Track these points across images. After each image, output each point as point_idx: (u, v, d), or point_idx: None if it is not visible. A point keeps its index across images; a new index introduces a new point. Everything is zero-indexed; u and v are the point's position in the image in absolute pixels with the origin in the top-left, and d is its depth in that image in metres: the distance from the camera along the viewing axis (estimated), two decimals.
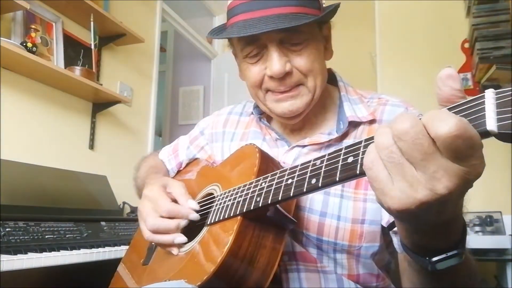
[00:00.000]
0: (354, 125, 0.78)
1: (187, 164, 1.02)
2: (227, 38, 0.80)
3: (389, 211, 0.39)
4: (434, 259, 0.44)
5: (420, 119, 0.36)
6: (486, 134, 0.35)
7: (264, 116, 0.89)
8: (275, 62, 0.73)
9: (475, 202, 2.64)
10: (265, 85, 0.77)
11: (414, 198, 0.36)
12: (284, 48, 0.74)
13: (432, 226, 0.42)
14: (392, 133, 0.37)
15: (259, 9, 0.71)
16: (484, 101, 0.36)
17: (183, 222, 0.74)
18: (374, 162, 0.38)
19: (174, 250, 0.74)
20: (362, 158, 0.43)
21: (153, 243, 0.85)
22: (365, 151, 0.42)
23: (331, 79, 0.88)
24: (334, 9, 0.78)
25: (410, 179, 0.36)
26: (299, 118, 0.80)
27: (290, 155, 0.80)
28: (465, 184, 0.36)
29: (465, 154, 0.35)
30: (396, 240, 0.71)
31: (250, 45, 0.75)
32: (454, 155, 0.35)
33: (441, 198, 0.36)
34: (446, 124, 0.34)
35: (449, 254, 0.44)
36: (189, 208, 0.74)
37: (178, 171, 1.03)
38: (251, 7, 0.72)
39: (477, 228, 2.28)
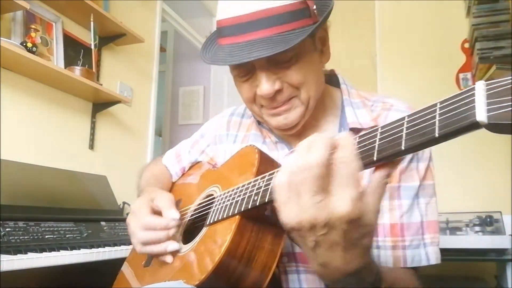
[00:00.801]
0: (356, 131, 0.77)
1: (190, 168, 1.02)
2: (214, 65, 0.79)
3: (284, 225, 0.47)
4: None
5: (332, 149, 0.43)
6: (475, 125, 0.35)
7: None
8: (264, 83, 0.71)
9: (475, 202, 2.64)
10: (257, 101, 0.77)
11: (300, 218, 0.44)
12: (272, 67, 0.71)
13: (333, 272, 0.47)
14: (296, 164, 0.44)
15: (244, 33, 0.69)
16: (474, 93, 0.36)
17: (171, 231, 0.73)
18: (280, 186, 0.46)
19: (168, 258, 0.73)
20: (358, 154, 0.45)
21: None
22: (361, 146, 0.45)
23: (334, 80, 0.87)
24: (326, 16, 0.73)
25: (301, 203, 0.44)
26: (296, 129, 0.79)
27: None
28: (326, 214, 0.43)
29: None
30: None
31: (238, 68, 0.74)
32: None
33: (316, 222, 0.43)
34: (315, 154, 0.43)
35: None
36: (170, 219, 0.73)
37: (182, 175, 1.03)
38: (236, 30, 0.69)
39: (477, 228, 2.28)
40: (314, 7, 0.73)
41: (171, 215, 0.74)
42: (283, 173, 0.46)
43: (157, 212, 0.77)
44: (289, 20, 0.68)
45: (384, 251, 0.72)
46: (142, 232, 0.74)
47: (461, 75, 2.74)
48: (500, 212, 2.33)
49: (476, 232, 2.27)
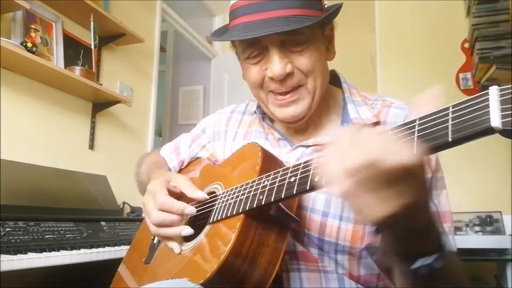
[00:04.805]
0: None
1: (189, 163, 1.02)
2: (228, 41, 0.80)
3: (370, 224, 0.47)
4: (413, 266, 0.49)
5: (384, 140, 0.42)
6: (490, 130, 0.35)
7: (267, 115, 0.89)
8: (276, 63, 0.73)
9: (475, 202, 2.64)
10: (266, 85, 0.77)
11: (383, 211, 0.43)
12: (285, 50, 0.74)
13: (408, 232, 0.48)
14: (356, 159, 0.42)
15: (260, 11, 0.71)
16: (488, 98, 0.36)
17: (187, 214, 0.74)
18: (349, 191, 0.43)
19: (176, 248, 0.74)
20: None
21: (155, 242, 0.85)
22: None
23: (335, 80, 0.88)
24: (336, 10, 0.78)
25: (379, 198, 0.43)
26: (302, 122, 0.80)
27: (293, 155, 0.80)
28: (418, 194, 0.44)
29: (416, 178, 0.43)
30: None
31: (252, 47, 0.75)
32: (407, 179, 0.42)
33: (407, 209, 0.43)
34: (398, 157, 0.40)
35: (427, 259, 0.49)
36: (196, 196, 0.75)
37: (180, 170, 1.03)
38: (252, 9, 0.72)
39: (477, 228, 2.28)
40: (326, 3, 0.76)
41: (198, 195, 0.75)
42: (344, 180, 0.43)
43: (174, 193, 0.77)
44: (303, 6, 0.71)
45: None
46: (158, 213, 0.75)
47: (461, 75, 2.74)
48: (500, 212, 2.33)
49: (476, 232, 2.27)
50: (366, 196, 0.43)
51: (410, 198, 0.43)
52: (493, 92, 0.36)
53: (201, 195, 0.75)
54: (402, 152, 0.40)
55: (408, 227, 0.47)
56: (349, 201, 0.45)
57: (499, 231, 2.27)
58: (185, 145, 1.04)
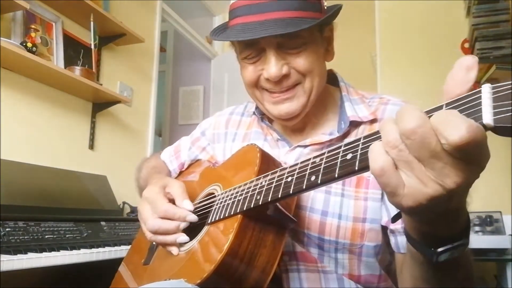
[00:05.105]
0: (355, 124, 0.79)
1: (189, 165, 1.02)
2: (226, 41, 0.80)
3: (401, 208, 0.41)
4: (439, 249, 0.45)
5: (428, 116, 0.37)
6: (482, 127, 0.35)
7: (265, 116, 0.89)
8: (272, 65, 0.73)
9: (475, 202, 2.63)
10: (260, 84, 0.78)
11: (425, 193, 0.38)
12: (282, 52, 0.74)
13: (439, 214, 0.42)
14: (398, 131, 0.37)
15: (259, 13, 0.72)
16: (480, 96, 0.36)
17: (183, 223, 0.74)
18: (385, 169, 0.38)
19: (174, 250, 0.74)
20: (361, 155, 0.44)
21: (154, 243, 0.86)
22: (364, 147, 0.44)
23: (332, 80, 0.88)
24: (335, 12, 0.78)
25: (420, 175, 0.37)
26: (297, 120, 0.80)
27: (292, 155, 0.80)
28: (473, 177, 0.37)
29: (473, 157, 0.36)
30: (394, 240, 0.71)
31: (249, 48, 0.76)
32: (463, 157, 0.35)
33: (450, 192, 0.37)
34: (458, 132, 0.34)
35: (454, 244, 0.45)
36: (185, 209, 0.74)
37: (180, 172, 1.03)
38: (251, 10, 0.72)
39: (477, 228, 2.28)
40: (325, 4, 0.76)
41: (185, 206, 0.74)
42: (380, 156, 0.38)
43: (170, 201, 0.77)
44: (302, 8, 0.72)
45: (400, 238, 0.71)
46: (154, 220, 0.75)
47: None
48: (500, 212, 2.33)
49: (476, 232, 2.27)
50: (420, 165, 0.37)
51: (467, 176, 0.36)
52: (486, 89, 0.36)
53: (188, 206, 0.74)
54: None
55: (443, 209, 0.41)
56: (393, 178, 0.38)
57: (499, 231, 2.27)
58: (185, 147, 1.04)
